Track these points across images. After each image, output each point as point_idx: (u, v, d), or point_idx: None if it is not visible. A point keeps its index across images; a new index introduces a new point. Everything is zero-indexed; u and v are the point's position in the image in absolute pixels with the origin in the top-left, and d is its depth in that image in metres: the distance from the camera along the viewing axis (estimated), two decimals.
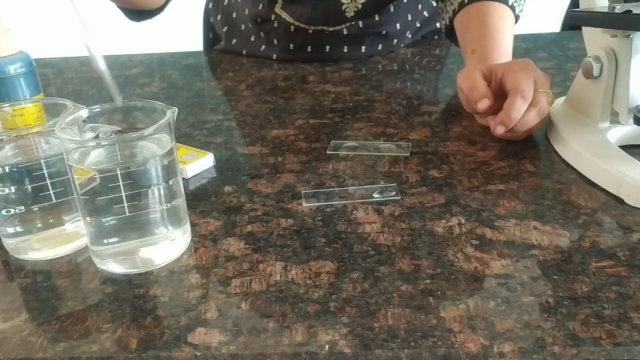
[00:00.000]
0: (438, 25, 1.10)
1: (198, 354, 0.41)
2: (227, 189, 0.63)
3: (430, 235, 0.53)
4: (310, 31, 1.01)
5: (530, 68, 0.66)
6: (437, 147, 0.70)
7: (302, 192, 0.61)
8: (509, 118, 0.64)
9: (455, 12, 0.85)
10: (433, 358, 0.41)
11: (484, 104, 0.67)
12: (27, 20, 2.44)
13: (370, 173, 0.65)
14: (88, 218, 0.49)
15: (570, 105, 0.71)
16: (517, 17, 0.84)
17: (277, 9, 1.00)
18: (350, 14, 0.98)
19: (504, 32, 0.79)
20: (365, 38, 1.02)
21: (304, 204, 0.59)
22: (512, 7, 0.82)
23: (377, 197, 0.59)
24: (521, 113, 0.64)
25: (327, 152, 0.68)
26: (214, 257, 0.52)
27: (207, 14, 1.18)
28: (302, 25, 1.00)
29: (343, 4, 0.97)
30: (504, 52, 0.77)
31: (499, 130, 0.65)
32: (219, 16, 1.12)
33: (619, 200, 0.57)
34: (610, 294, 0.45)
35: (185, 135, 0.76)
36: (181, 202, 0.52)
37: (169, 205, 0.50)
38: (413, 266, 0.49)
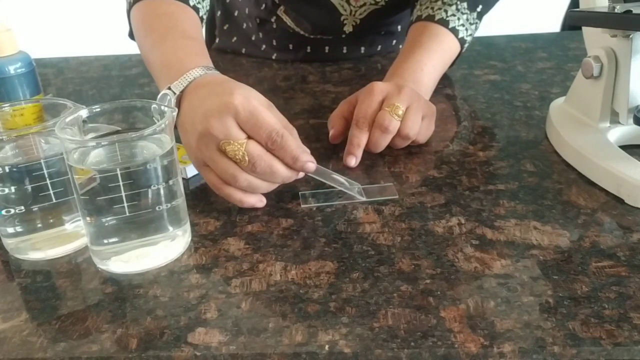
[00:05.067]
0: None
1: (198, 354, 0.41)
2: None
3: (430, 235, 0.53)
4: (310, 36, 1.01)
5: (371, 93, 0.67)
6: (437, 147, 0.70)
7: (299, 193, 0.61)
8: (351, 147, 0.66)
9: (412, 22, 0.86)
10: (433, 358, 0.41)
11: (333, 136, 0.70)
12: (27, 20, 2.45)
13: (371, 173, 0.65)
14: (88, 218, 0.49)
15: (570, 105, 0.71)
16: (462, 40, 0.82)
17: (280, 12, 1.00)
18: (349, 28, 0.99)
19: (428, 54, 0.78)
20: (364, 39, 1.03)
21: (302, 205, 0.59)
22: (454, 30, 0.81)
23: (375, 197, 0.59)
24: (361, 139, 0.66)
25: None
26: (214, 257, 0.52)
27: (212, 12, 1.17)
28: (301, 33, 1.01)
29: (342, 15, 0.97)
30: (412, 77, 0.75)
31: (350, 162, 0.65)
32: (219, 12, 1.12)
33: (619, 200, 0.57)
34: (610, 294, 0.45)
35: None
36: (181, 202, 0.52)
37: (169, 205, 0.50)
38: (413, 266, 0.49)
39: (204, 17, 0.81)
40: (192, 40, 0.70)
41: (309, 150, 0.57)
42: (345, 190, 0.60)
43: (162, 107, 0.51)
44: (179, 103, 0.60)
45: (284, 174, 0.56)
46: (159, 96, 0.61)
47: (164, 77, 0.64)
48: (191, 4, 0.78)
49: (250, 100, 0.54)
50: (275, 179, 0.56)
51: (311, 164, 0.56)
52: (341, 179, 0.60)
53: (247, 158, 0.54)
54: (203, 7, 0.80)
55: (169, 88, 0.60)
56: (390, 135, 0.66)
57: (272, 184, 0.57)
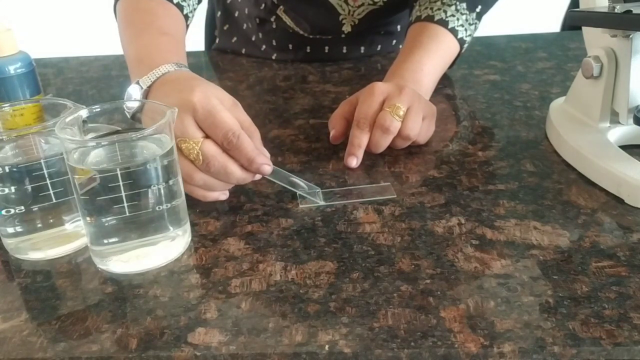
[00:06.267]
0: None
1: (198, 354, 0.41)
2: None
3: (430, 235, 0.53)
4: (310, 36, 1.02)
5: (372, 94, 0.67)
6: (437, 147, 0.70)
7: (297, 193, 0.60)
8: (352, 147, 0.66)
9: (411, 22, 0.86)
10: (433, 358, 0.41)
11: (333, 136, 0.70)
12: (27, 20, 2.45)
13: (371, 173, 0.65)
14: (88, 218, 0.49)
15: (570, 105, 0.71)
16: (461, 41, 0.82)
17: (279, 12, 1.00)
18: (347, 28, 1.00)
19: (428, 55, 0.78)
20: (364, 39, 1.03)
21: (300, 206, 0.59)
22: (453, 31, 0.81)
23: (374, 197, 0.59)
24: (362, 140, 0.66)
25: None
26: (214, 257, 0.52)
27: (212, 13, 1.17)
28: (300, 32, 1.01)
29: (340, 15, 0.97)
30: (412, 77, 0.75)
31: (351, 162, 0.65)
32: (219, 13, 1.12)
33: (619, 200, 0.57)
34: (610, 294, 0.45)
35: None
36: (181, 202, 0.52)
37: (169, 205, 0.50)
38: (413, 266, 0.49)
39: (190, 15, 0.81)
40: (167, 37, 0.70)
41: (267, 153, 0.57)
42: (304, 195, 0.60)
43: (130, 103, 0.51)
44: (145, 98, 0.61)
45: (239, 176, 0.56)
46: (127, 90, 0.62)
47: (136, 72, 0.65)
48: (175, 1, 0.78)
49: (210, 99, 0.54)
50: (229, 180, 0.56)
51: (267, 167, 0.56)
52: (300, 182, 0.60)
53: (201, 157, 0.54)
54: (188, 5, 0.80)
55: (138, 82, 0.61)
56: (392, 136, 0.66)
57: (228, 184, 0.58)
